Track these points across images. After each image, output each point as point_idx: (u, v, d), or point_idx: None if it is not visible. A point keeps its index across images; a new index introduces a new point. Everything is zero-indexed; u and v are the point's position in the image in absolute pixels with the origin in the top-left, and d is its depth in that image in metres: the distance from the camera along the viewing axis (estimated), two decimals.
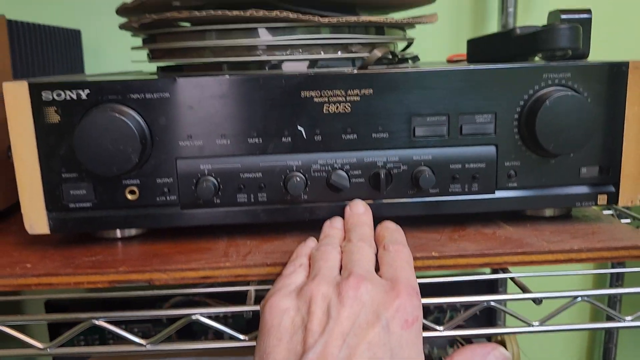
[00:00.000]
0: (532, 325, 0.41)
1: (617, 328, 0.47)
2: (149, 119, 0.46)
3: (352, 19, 0.49)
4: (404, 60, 0.58)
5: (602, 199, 0.50)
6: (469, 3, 0.91)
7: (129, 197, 0.47)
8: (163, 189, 0.47)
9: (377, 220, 0.52)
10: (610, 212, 0.59)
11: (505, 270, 0.46)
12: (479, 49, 0.58)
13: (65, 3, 0.87)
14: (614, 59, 0.49)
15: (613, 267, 0.92)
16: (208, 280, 0.44)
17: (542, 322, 0.42)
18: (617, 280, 0.95)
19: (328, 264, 0.40)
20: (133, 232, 0.51)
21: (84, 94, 0.45)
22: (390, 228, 0.46)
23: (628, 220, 0.57)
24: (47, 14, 0.87)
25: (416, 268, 0.45)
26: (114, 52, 0.88)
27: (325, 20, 0.48)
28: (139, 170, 0.46)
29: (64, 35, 0.76)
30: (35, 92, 0.45)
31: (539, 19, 0.90)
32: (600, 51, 0.88)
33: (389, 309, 0.34)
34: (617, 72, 0.48)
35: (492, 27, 0.91)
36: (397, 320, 0.34)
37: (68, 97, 0.45)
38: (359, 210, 0.47)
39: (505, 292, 0.94)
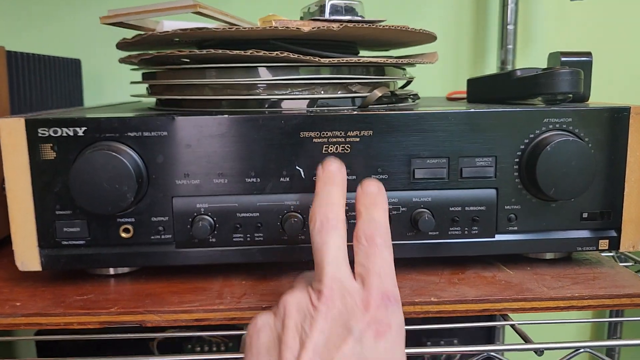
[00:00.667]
0: None
1: None
2: (146, 157, 0.45)
3: (353, 59, 0.49)
4: (404, 98, 0.58)
5: (604, 244, 0.49)
6: (468, 38, 0.91)
7: (123, 235, 0.46)
8: (158, 228, 0.46)
9: None
10: (611, 254, 0.58)
11: (505, 317, 0.45)
12: (479, 88, 0.58)
13: (66, 32, 0.87)
14: (614, 100, 0.49)
15: (611, 315, 0.91)
16: (202, 323, 0.43)
17: None
18: (615, 328, 0.94)
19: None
20: (126, 269, 0.51)
21: (80, 131, 0.44)
22: (371, 193, 0.40)
23: (629, 264, 0.57)
24: (47, 43, 0.87)
25: (414, 313, 0.44)
26: (115, 82, 0.88)
27: (326, 60, 0.47)
28: (134, 208, 0.46)
29: (63, 65, 0.76)
30: (31, 128, 0.44)
31: (538, 55, 0.91)
32: (600, 92, 0.88)
33: (360, 322, 0.34)
34: (618, 117, 0.48)
35: (492, 62, 0.91)
36: (370, 332, 0.34)
37: (65, 134, 0.44)
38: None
39: (502, 338, 0.93)
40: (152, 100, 0.67)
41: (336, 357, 0.33)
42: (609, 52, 0.91)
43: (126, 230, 0.46)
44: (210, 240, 0.47)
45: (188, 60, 0.54)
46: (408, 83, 0.63)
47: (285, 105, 0.51)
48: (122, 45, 0.53)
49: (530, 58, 0.91)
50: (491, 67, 0.91)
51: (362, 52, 0.66)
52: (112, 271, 0.50)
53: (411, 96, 0.60)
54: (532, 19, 0.91)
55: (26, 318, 0.43)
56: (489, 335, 0.90)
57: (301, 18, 0.56)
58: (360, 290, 0.36)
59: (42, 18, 0.87)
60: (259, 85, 0.50)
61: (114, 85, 0.89)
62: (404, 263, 0.52)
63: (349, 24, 0.47)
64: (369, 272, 0.36)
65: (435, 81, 0.92)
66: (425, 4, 0.90)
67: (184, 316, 0.43)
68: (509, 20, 0.84)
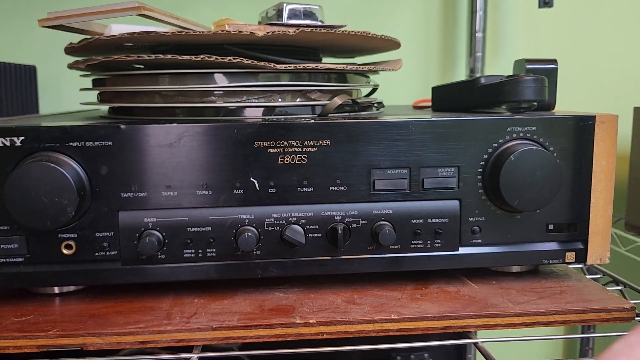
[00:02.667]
0: None
1: None
2: (89, 169, 0.42)
3: (311, 65, 0.47)
4: (367, 107, 0.56)
5: (570, 257, 0.48)
6: (437, 46, 0.90)
7: (65, 251, 0.43)
8: (102, 244, 0.44)
9: (336, 277, 0.50)
10: (579, 266, 0.57)
11: (469, 334, 0.43)
12: (443, 96, 0.56)
13: (22, 38, 0.83)
14: (582, 108, 0.47)
15: (583, 331, 0.90)
16: (147, 346, 0.41)
17: None
18: (587, 344, 0.92)
19: None
20: (72, 287, 0.48)
21: (18, 141, 0.42)
22: None
23: (597, 276, 0.55)
24: (3, 50, 0.84)
25: (374, 332, 0.42)
26: (73, 88, 0.85)
27: (282, 67, 0.45)
28: (76, 223, 0.43)
29: (18, 72, 0.73)
30: None
31: (507, 63, 0.90)
32: (567, 99, 0.88)
33: None
34: (583, 126, 0.46)
35: (461, 69, 0.90)
36: None
37: (1, 144, 0.42)
38: None
39: (474, 353, 0.91)
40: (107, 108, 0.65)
41: None
42: (577, 59, 0.91)
43: (68, 247, 0.43)
44: (159, 256, 0.44)
45: (142, 66, 0.52)
46: (373, 91, 0.62)
47: (241, 113, 0.48)
48: (69, 50, 0.50)
49: (499, 65, 0.90)
50: (460, 75, 0.90)
51: (326, 59, 0.64)
52: (56, 290, 0.47)
53: (375, 104, 0.58)
54: (500, 26, 0.90)
55: None
56: (460, 350, 0.88)
57: (259, 22, 0.53)
58: None
59: None
60: (215, 92, 0.48)
61: (72, 92, 0.86)
62: (365, 278, 0.50)
63: (306, 29, 0.45)
64: None
65: (404, 89, 0.91)
66: (393, 12, 0.89)
67: (128, 338, 0.40)
68: (478, 28, 0.83)
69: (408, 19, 0.89)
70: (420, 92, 0.90)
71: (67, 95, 0.85)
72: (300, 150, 0.44)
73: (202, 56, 0.44)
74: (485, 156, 0.46)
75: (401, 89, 0.90)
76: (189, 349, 0.41)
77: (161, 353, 0.45)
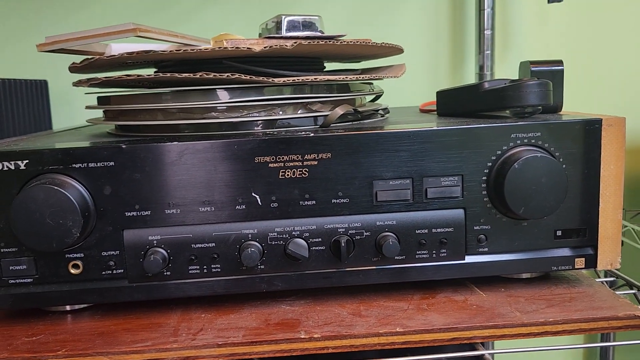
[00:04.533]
0: None
1: None
2: (92, 190, 0.43)
3: (310, 78, 0.46)
4: (372, 114, 0.56)
5: (580, 263, 0.47)
6: (446, 45, 0.89)
7: (73, 271, 0.44)
8: (109, 263, 0.44)
9: (342, 289, 0.49)
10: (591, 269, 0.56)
11: (476, 346, 0.43)
12: (448, 101, 0.56)
13: (32, 53, 0.85)
14: (593, 108, 0.46)
15: (602, 339, 0.88)
16: None
17: None
18: (606, 354, 0.90)
19: None
20: (82, 305, 0.48)
21: (22, 164, 0.42)
22: None
23: (611, 279, 0.54)
24: (12, 65, 0.85)
25: (379, 345, 0.42)
26: (84, 101, 0.86)
27: (281, 80, 0.45)
28: (82, 243, 0.44)
29: (29, 87, 0.74)
30: None
31: (518, 60, 0.89)
32: (577, 98, 0.86)
33: None
34: (590, 130, 0.45)
35: (470, 67, 0.89)
36: None
37: (5, 168, 0.42)
38: None
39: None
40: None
41: None
42: (588, 54, 0.89)
43: (75, 267, 0.44)
44: (165, 273, 0.45)
45: (147, 83, 0.52)
46: (378, 97, 0.61)
47: (243, 127, 0.48)
48: (73, 69, 0.51)
49: (509, 63, 0.89)
50: (470, 73, 0.89)
51: (330, 65, 0.63)
52: (67, 307, 0.48)
53: (380, 111, 0.58)
54: (509, 23, 0.88)
55: None
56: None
57: (260, 35, 0.53)
58: None
59: (3, 39, 0.85)
60: (218, 107, 0.48)
61: (84, 105, 0.87)
62: (371, 288, 0.49)
63: (304, 42, 0.45)
64: None
65: (412, 89, 0.90)
66: (401, 12, 0.88)
67: (136, 357, 0.41)
68: (486, 26, 0.82)
69: (416, 17, 0.89)
70: (429, 91, 0.90)
71: (79, 108, 0.87)
72: (300, 164, 0.44)
73: (200, 74, 0.44)
74: (489, 164, 0.45)
75: (410, 89, 0.89)
76: None
77: None
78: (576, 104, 0.85)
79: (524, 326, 0.42)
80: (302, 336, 0.42)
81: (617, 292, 0.47)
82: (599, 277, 0.54)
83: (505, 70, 0.89)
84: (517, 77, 0.52)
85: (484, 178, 0.45)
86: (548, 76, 0.51)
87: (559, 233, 0.47)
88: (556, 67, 0.52)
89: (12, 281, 0.44)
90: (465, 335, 0.42)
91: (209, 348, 0.41)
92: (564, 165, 0.45)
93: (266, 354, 0.41)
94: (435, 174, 0.45)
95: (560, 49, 0.88)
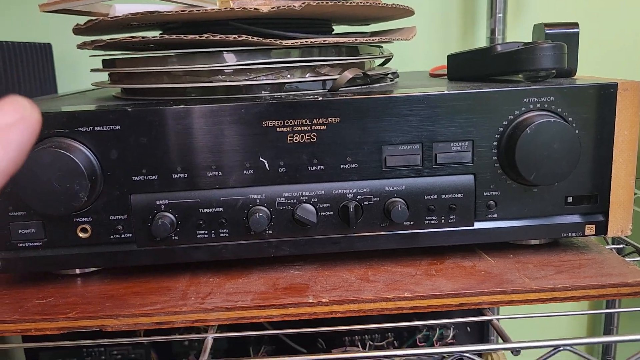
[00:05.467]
0: None
1: None
2: (99, 153, 0.43)
3: (318, 40, 0.45)
4: (381, 78, 0.54)
5: (590, 229, 0.47)
6: (456, 7, 0.87)
7: (81, 235, 0.44)
8: (117, 227, 0.44)
9: (350, 254, 0.49)
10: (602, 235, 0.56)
11: (484, 311, 0.43)
12: (459, 64, 0.54)
13: (36, 16, 0.83)
14: (608, 73, 0.45)
15: (607, 306, 0.88)
16: (163, 326, 0.41)
17: None
18: (611, 320, 0.90)
19: None
20: (91, 268, 0.49)
21: None
22: None
23: (620, 246, 0.54)
24: (15, 28, 0.84)
25: (387, 310, 0.42)
26: (89, 64, 0.85)
27: (289, 42, 0.44)
28: (90, 207, 0.43)
29: (33, 51, 0.73)
30: None
31: (530, 24, 0.87)
32: (591, 63, 0.84)
33: None
34: (604, 94, 0.44)
35: (482, 31, 0.87)
36: None
37: None
38: None
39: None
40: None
41: None
42: (603, 19, 0.87)
43: (84, 230, 0.44)
44: (173, 238, 0.45)
45: (152, 45, 0.51)
46: (387, 61, 0.60)
47: (250, 91, 0.48)
48: (77, 31, 0.50)
49: (521, 27, 0.87)
50: (481, 37, 0.87)
51: (339, 27, 0.62)
52: (77, 270, 0.48)
53: (389, 75, 0.57)
54: None
55: None
56: (482, 323, 0.88)
57: None
58: None
59: (6, 2, 0.83)
60: (225, 70, 0.47)
61: (89, 68, 0.86)
62: (379, 254, 0.49)
63: (312, 2, 0.44)
64: None
65: (423, 53, 0.88)
66: None
67: (145, 320, 0.41)
68: None
69: None
70: (440, 56, 0.88)
71: (84, 71, 0.86)
72: (309, 128, 0.43)
73: (206, 35, 0.43)
74: (501, 129, 0.44)
75: (420, 53, 0.88)
76: (204, 330, 0.42)
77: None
78: (590, 69, 0.83)
79: (533, 292, 0.42)
80: (310, 301, 0.42)
81: (626, 259, 0.47)
82: (608, 245, 0.53)
83: (517, 34, 0.87)
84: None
85: (495, 143, 0.44)
86: (563, 39, 0.49)
87: (569, 199, 0.46)
88: (571, 30, 0.51)
89: (21, 245, 0.44)
90: (473, 300, 0.42)
91: (217, 312, 0.42)
92: (577, 131, 0.44)
93: (274, 317, 0.42)
94: (446, 139, 0.44)
95: (575, 11, 0.86)
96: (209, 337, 0.41)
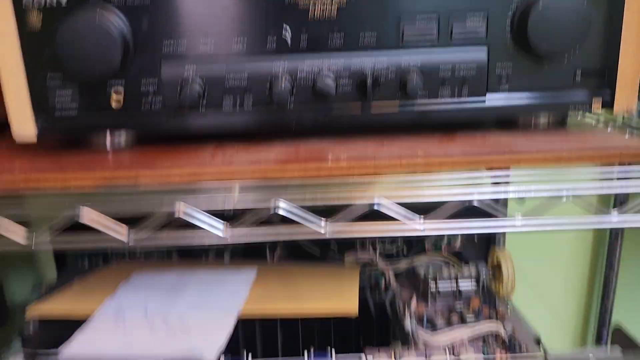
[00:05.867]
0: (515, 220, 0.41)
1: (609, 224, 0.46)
2: (131, 21, 0.45)
3: None
4: None
5: (597, 104, 0.49)
6: None
7: (115, 97, 0.47)
8: (148, 91, 0.47)
9: (366, 130, 0.51)
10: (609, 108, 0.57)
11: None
12: None
13: None
14: None
15: (611, 236, 0.91)
16: (194, 179, 0.44)
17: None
18: (616, 237, 0.93)
19: None
20: (122, 143, 0.51)
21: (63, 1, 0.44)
22: None
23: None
24: None
25: (401, 167, 0.45)
26: None
27: None
28: (123, 72, 0.46)
29: None
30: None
31: None
32: None
33: None
34: None
35: None
36: None
37: (48, 4, 0.44)
38: None
39: (503, 240, 0.91)
40: None
41: None
42: None
43: (117, 92, 0.47)
44: (200, 107, 0.47)
45: None
46: None
47: None
48: None
49: None
50: None
51: None
52: (108, 145, 0.51)
53: None
54: None
55: (24, 175, 0.44)
56: (489, 237, 0.89)
57: None
58: None
59: None
60: None
61: None
62: (393, 130, 0.52)
63: None
64: None
65: None
66: None
67: (177, 171, 0.44)
68: None
69: None
70: None
71: None
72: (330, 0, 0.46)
73: None
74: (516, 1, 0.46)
75: None
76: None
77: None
78: None
79: (540, 152, 0.45)
80: (330, 162, 0.44)
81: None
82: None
83: None
84: None
85: (510, 13, 0.46)
86: None
87: (578, 73, 0.48)
88: None
89: (58, 111, 0.47)
90: (483, 159, 0.45)
91: (243, 166, 0.44)
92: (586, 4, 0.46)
93: (295, 172, 0.44)
94: (461, 10, 0.46)
95: None
96: (237, 185, 0.44)
